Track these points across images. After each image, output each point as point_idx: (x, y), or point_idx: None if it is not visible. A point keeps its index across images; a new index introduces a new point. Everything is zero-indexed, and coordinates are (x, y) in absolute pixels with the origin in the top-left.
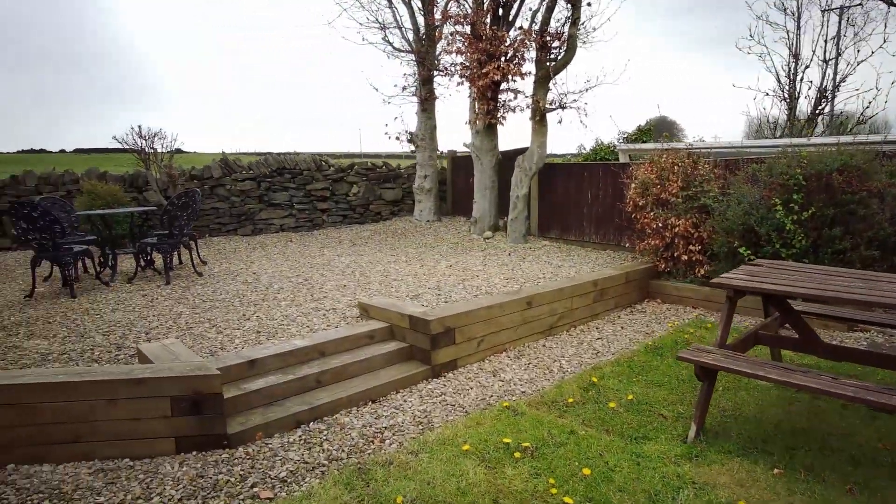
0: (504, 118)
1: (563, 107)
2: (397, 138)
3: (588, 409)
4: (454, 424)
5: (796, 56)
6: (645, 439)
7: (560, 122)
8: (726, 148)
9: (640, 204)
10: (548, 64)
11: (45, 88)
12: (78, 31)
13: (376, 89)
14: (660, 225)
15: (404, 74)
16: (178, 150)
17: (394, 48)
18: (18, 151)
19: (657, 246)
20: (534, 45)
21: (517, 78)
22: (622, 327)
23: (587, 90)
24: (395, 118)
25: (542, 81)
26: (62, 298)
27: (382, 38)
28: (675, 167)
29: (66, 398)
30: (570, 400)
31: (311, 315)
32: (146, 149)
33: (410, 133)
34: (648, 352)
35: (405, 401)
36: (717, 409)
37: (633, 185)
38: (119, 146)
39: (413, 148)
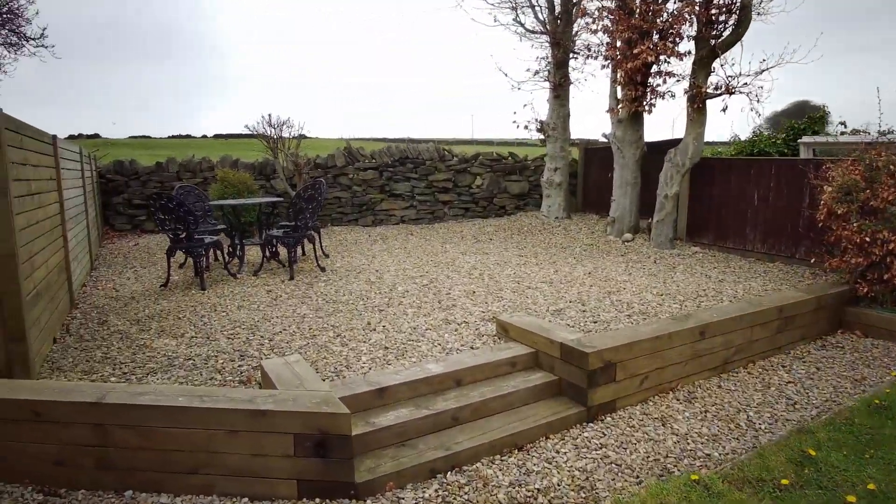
0: (653, 105)
1: (730, 91)
2: (526, 127)
3: (814, 500)
4: (627, 499)
5: None
6: None
7: (725, 109)
8: None
9: (839, 212)
10: (711, 42)
11: (187, 78)
12: (211, 28)
13: (505, 74)
14: (866, 239)
15: (537, 58)
16: (303, 136)
17: (526, 29)
18: (168, 137)
19: (858, 264)
20: (695, 18)
21: (671, 59)
22: (817, 368)
23: (764, 70)
24: (525, 105)
25: (704, 62)
26: (193, 290)
27: (514, 20)
28: (892, 167)
29: (184, 425)
30: (785, 481)
31: (442, 329)
32: (274, 136)
33: (540, 122)
34: (872, 411)
35: (558, 452)
36: None
37: (827, 189)
38: (251, 132)
39: (542, 138)
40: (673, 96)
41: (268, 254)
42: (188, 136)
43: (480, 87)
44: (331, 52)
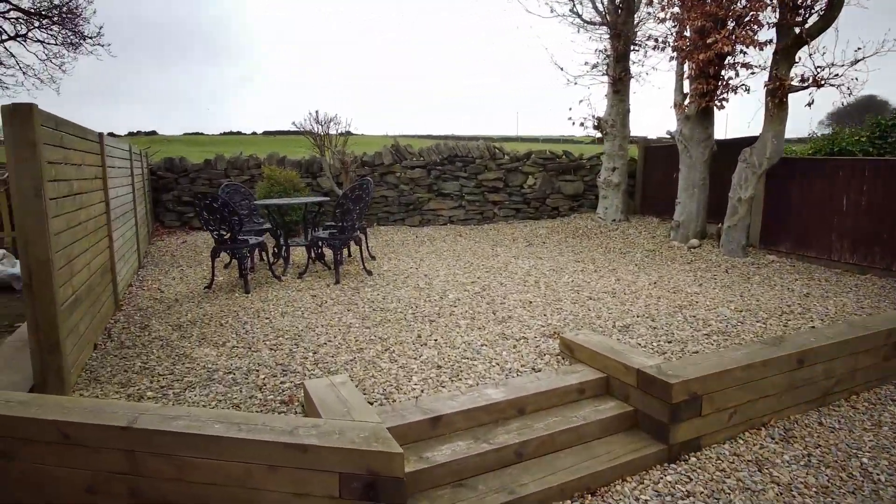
0: (725, 100)
1: (818, 84)
2: (582, 124)
3: None
4: None
5: None
6: None
7: (811, 104)
8: None
9: None
10: (796, 29)
11: (238, 77)
12: (258, 28)
13: (561, 68)
14: None
15: (595, 51)
16: (349, 133)
17: (583, 20)
18: (220, 133)
19: None
20: (777, 4)
21: (749, 48)
22: None
23: (860, 60)
24: (580, 101)
25: (787, 52)
26: (237, 292)
27: (571, 10)
28: None
29: (220, 456)
30: None
31: (498, 345)
32: (321, 133)
33: (598, 118)
34: None
35: (637, 500)
36: None
37: None
38: (297, 129)
39: (599, 135)
40: (747, 90)
41: (313, 255)
42: (238, 133)
43: (525, 81)
44: (374, 51)
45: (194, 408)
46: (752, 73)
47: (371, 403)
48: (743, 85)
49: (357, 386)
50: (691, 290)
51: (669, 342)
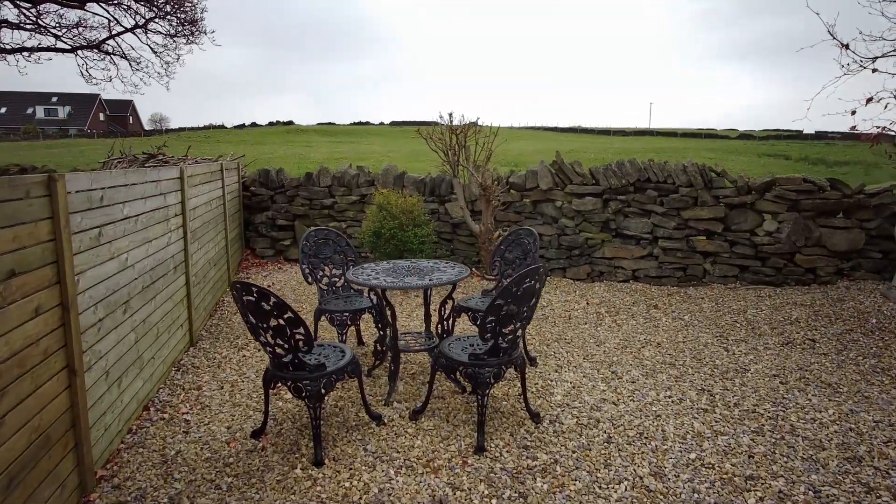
0: None
1: None
2: (875, 137)
3: None
4: None
5: None
6: None
7: None
8: None
9: None
10: None
11: (366, 70)
12: (392, 22)
13: (844, 46)
14: None
15: None
16: (473, 124)
17: None
18: (350, 123)
19: None
20: None
21: None
22: None
23: None
24: (871, 97)
25: None
26: (301, 455)
27: None
28: None
29: None
30: None
31: None
32: (455, 145)
33: None
34: None
35: None
36: None
37: None
38: (428, 120)
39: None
40: None
41: (438, 364)
42: (367, 123)
43: (656, 65)
44: (504, 46)
45: None
46: None
47: None
48: None
49: None
50: None
51: None
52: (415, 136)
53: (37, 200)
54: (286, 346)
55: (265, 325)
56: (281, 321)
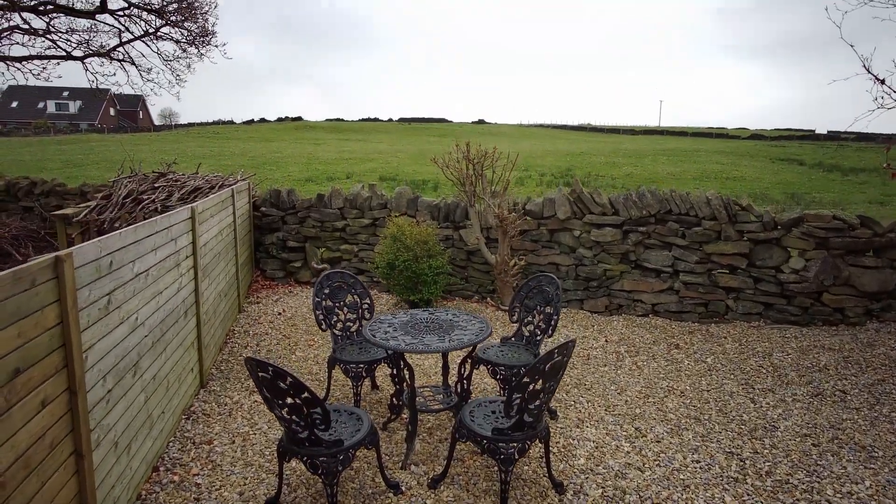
0: None
1: None
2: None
3: None
4: None
5: None
6: None
7: None
8: None
9: None
10: None
11: (377, 67)
12: (407, 19)
13: (881, 81)
14: None
15: None
16: (481, 121)
17: None
18: (359, 119)
19: None
20: None
21: None
22: None
23: None
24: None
25: None
26: None
27: None
28: None
29: None
30: None
31: None
32: (472, 175)
33: None
34: None
35: None
36: None
37: None
38: (436, 117)
39: None
40: None
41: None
42: (375, 119)
43: (667, 64)
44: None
45: None
46: None
47: None
48: None
49: None
50: None
51: None
52: (422, 135)
53: (43, 286)
54: (302, 423)
55: (281, 402)
56: (297, 400)
